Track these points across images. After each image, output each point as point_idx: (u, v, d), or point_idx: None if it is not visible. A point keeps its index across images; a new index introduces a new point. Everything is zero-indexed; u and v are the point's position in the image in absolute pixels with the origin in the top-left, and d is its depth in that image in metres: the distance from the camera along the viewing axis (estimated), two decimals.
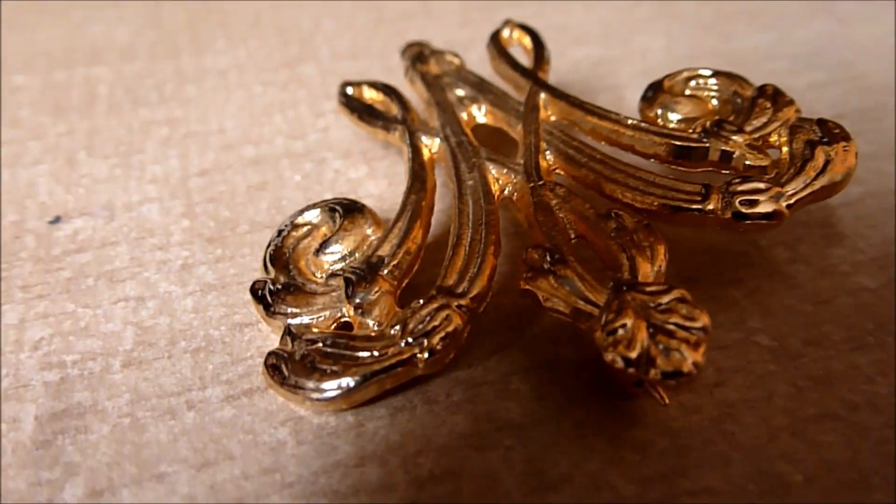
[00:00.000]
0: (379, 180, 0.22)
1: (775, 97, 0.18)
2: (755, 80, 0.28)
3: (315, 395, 0.15)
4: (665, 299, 0.14)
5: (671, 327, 0.14)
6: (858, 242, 0.20)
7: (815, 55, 0.29)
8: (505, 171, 0.18)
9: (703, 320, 0.14)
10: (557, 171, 0.18)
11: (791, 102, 0.18)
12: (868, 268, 0.20)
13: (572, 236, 0.16)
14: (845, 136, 0.17)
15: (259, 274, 0.18)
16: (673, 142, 0.18)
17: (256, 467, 0.14)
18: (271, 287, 0.17)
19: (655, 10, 0.31)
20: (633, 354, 0.14)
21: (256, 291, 0.17)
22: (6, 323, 0.17)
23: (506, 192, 0.18)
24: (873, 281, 0.19)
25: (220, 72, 0.27)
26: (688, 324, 0.14)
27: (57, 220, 0.20)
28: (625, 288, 0.15)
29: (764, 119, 0.18)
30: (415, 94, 0.22)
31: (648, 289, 0.14)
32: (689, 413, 0.16)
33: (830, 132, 0.17)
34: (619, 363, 0.14)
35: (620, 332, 0.14)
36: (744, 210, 0.16)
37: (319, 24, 0.30)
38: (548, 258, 0.15)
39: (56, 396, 0.16)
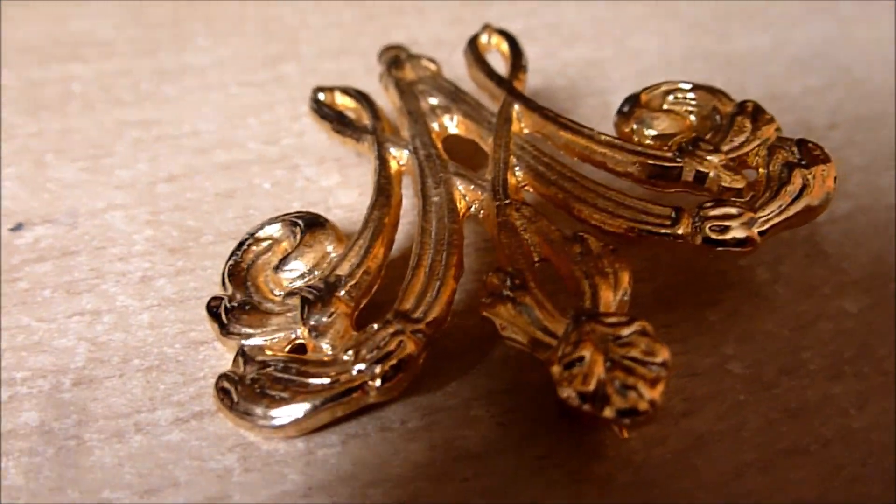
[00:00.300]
0: (351, 189, 0.21)
1: (755, 114, 0.17)
2: (750, 83, 0.27)
3: (263, 423, 0.14)
4: (625, 332, 0.14)
5: (629, 363, 0.13)
6: (842, 262, 0.20)
7: (813, 58, 0.28)
8: (472, 187, 0.18)
9: (664, 355, 0.13)
10: (527, 188, 0.18)
11: (771, 120, 0.17)
12: (851, 290, 0.19)
13: (536, 259, 0.16)
14: (825, 159, 0.16)
15: (218, 288, 0.17)
16: (646, 160, 0.17)
17: (201, 496, 0.14)
18: (227, 305, 0.16)
19: (651, 8, 0.31)
20: (589, 390, 0.13)
21: (212, 309, 0.16)
22: None
23: (472, 209, 0.18)
24: (855, 305, 0.18)
25: (200, 70, 0.26)
26: (647, 359, 0.13)
27: (19, 227, 0.19)
28: (584, 318, 0.14)
29: (742, 138, 0.17)
30: (389, 100, 0.21)
31: (608, 320, 0.14)
32: (653, 445, 0.15)
33: (810, 154, 0.16)
34: (575, 400, 0.13)
35: (577, 366, 0.13)
36: (714, 236, 0.15)
37: (305, 21, 0.29)
38: (508, 283, 0.15)
39: (3, 415, 0.15)
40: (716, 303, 0.18)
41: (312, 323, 0.15)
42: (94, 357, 0.16)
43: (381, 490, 0.14)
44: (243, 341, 0.16)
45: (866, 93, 0.26)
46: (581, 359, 0.13)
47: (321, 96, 0.21)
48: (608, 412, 0.13)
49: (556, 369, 0.14)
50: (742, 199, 0.16)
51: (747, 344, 0.17)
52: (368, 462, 0.15)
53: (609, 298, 0.15)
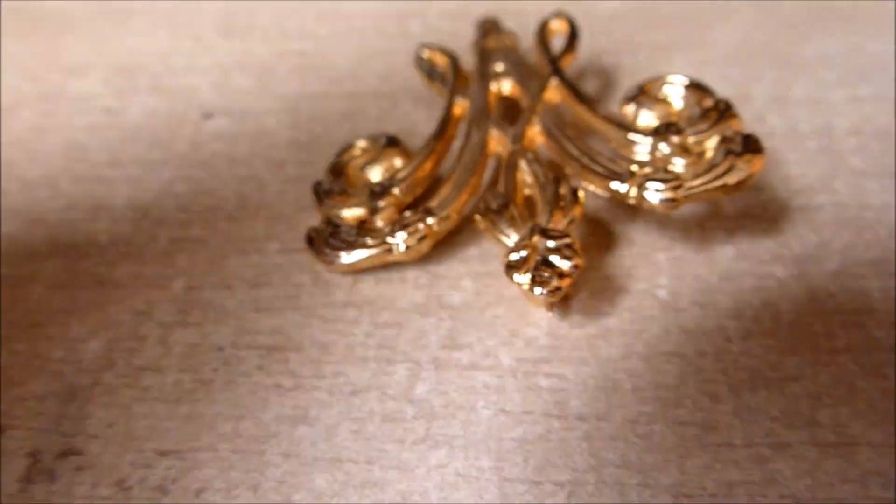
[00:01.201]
0: (433, 123, 0.30)
1: (724, 112, 0.24)
2: (799, 84, 0.32)
3: (328, 261, 0.24)
4: (558, 243, 0.21)
5: (552, 262, 0.21)
6: (793, 241, 0.26)
7: (876, 69, 0.32)
8: (502, 134, 0.26)
9: (577, 262, 0.21)
10: (540, 141, 0.25)
11: (734, 117, 0.24)
12: (787, 262, 0.25)
13: (525, 192, 0.24)
14: (756, 150, 0.23)
15: (323, 175, 0.27)
16: (626, 134, 0.24)
17: (283, 294, 0.24)
18: (325, 188, 0.26)
19: (755, 2, 0.35)
20: (522, 273, 0.21)
21: (315, 188, 0.26)
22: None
23: (498, 150, 0.26)
24: (784, 272, 0.25)
25: (349, 15, 0.35)
26: (566, 262, 0.21)
27: (209, 116, 0.30)
28: (536, 230, 0.22)
29: (704, 127, 0.24)
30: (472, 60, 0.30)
31: (552, 233, 0.22)
32: (575, 326, 0.23)
33: (748, 146, 0.23)
34: (513, 279, 0.21)
35: (520, 258, 0.21)
36: (645, 194, 0.22)
37: None
38: (496, 201, 0.23)
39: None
40: (668, 248, 0.25)
41: (372, 206, 0.25)
42: (239, 205, 0.27)
43: (387, 313, 0.23)
44: (329, 211, 0.25)
45: None
46: (522, 254, 0.22)
47: (424, 53, 0.29)
48: (529, 289, 0.21)
49: (505, 259, 0.22)
50: (683, 172, 0.23)
51: (679, 281, 0.24)
52: (386, 296, 0.24)
53: (559, 220, 0.22)
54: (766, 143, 0.28)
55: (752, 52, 0.33)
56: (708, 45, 0.34)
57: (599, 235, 0.26)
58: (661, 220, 0.26)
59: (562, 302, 0.23)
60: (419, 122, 0.30)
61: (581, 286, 0.24)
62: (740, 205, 0.27)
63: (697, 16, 0.35)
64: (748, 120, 0.30)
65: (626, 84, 0.32)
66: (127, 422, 0.22)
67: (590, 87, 0.32)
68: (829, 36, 0.34)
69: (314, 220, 0.26)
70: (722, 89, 0.31)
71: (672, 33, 0.34)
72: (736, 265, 0.25)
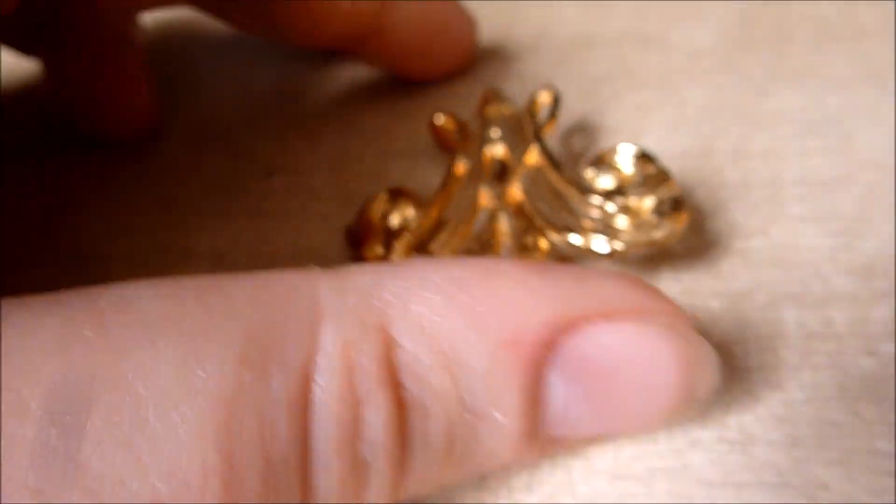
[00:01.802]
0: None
1: (661, 178, 0.30)
2: (754, 139, 0.38)
3: None
4: None
5: None
6: (729, 278, 0.32)
7: (827, 123, 0.38)
8: (490, 192, 0.33)
9: None
10: (519, 198, 0.33)
11: (669, 182, 0.30)
12: (722, 296, 0.31)
13: (502, 240, 0.31)
14: (680, 210, 0.29)
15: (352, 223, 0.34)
16: (582, 196, 0.31)
17: None
18: (353, 232, 0.33)
19: (724, 61, 0.41)
20: None
21: (346, 233, 0.34)
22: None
23: (486, 204, 0.33)
24: (718, 304, 0.31)
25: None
26: None
27: (271, 174, 0.38)
28: None
29: (644, 190, 0.30)
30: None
31: None
32: None
33: (674, 206, 0.29)
34: None
35: None
36: (592, 246, 0.29)
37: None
38: (480, 247, 0.30)
39: None
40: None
41: (389, 247, 0.32)
42: (294, 251, 0.35)
43: None
44: (357, 251, 0.33)
45: (848, 159, 0.36)
46: None
47: (438, 121, 0.37)
48: None
49: None
50: (623, 229, 0.30)
51: None
52: None
53: None
54: (719, 194, 0.35)
55: (719, 109, 0.39)
56: (682, 104, 0.40)
57: None
58: (619, 260, 0.33)
59: None
60: (435, 177, 0.37)
61: None
62: (687, 247, 0.33)
63: (673, 77, 0.41)
64: (708, 173, 0.36)
65: (609, 139, 0.39)
66: None
67: (577, 142, 0.39)
68: (789, 92, 0.39)
69: (350, 261, 0.34)
70: (690, 144, 0.38)
71: (650, 94, 0.40)
72: (680, 299, 0.31)
